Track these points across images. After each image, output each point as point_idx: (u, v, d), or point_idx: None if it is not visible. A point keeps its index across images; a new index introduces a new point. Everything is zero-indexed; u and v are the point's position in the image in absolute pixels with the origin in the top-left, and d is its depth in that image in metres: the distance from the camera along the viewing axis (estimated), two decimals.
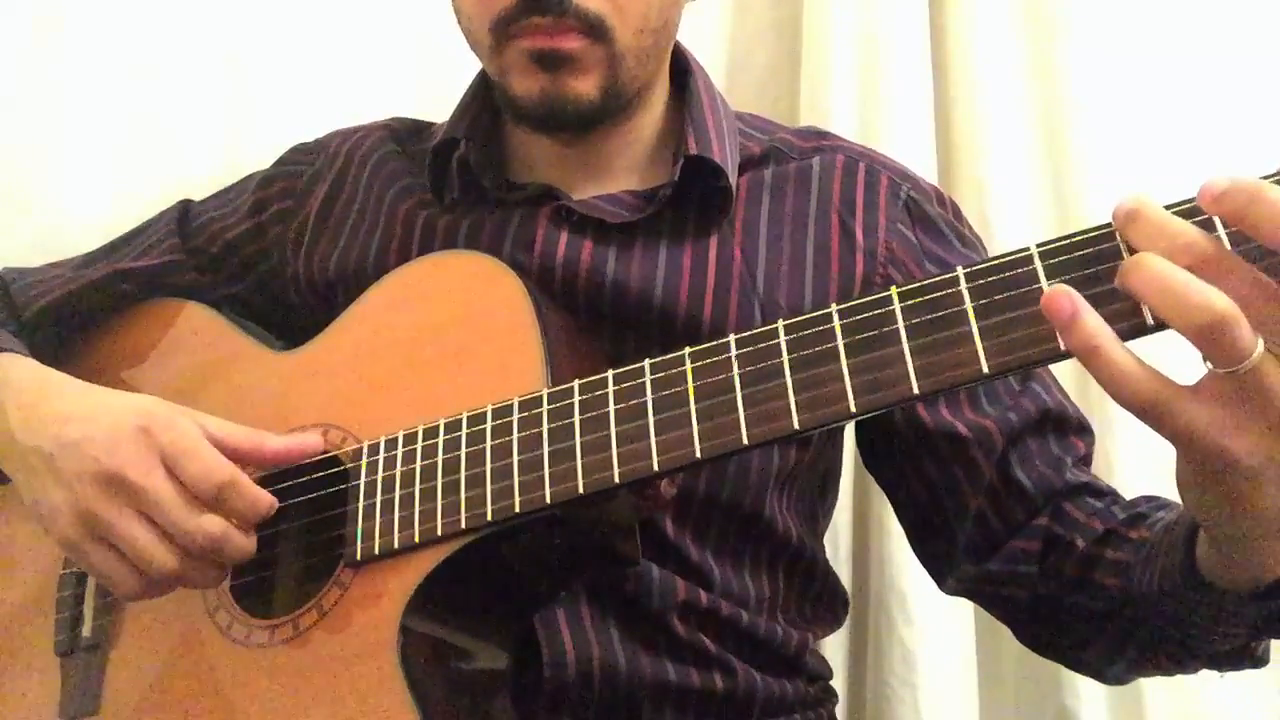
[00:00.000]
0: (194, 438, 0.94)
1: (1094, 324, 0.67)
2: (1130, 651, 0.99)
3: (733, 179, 1.09)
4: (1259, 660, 0.94)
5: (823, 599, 1.18)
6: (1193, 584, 0.85)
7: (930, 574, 1.17)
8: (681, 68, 1.17)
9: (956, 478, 1.08)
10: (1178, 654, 0.95)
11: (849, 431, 1.23)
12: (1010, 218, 1.56)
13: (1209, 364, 0.66)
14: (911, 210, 1.13)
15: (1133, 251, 0.68)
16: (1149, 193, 0.68)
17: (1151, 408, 0.67)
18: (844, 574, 1.53)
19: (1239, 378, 0.65)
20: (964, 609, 1.45)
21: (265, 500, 0.95)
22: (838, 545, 1.54)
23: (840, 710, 1.21)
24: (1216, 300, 0.64)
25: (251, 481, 0.94)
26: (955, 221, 1.16)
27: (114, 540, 0.93)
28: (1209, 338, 0.64)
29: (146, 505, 0.92)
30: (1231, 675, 1.22)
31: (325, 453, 1.00)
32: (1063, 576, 1.03)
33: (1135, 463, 1.46)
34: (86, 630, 1.07)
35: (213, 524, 0.92)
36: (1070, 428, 1.10)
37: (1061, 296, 0.67)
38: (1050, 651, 1.10)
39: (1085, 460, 1.10)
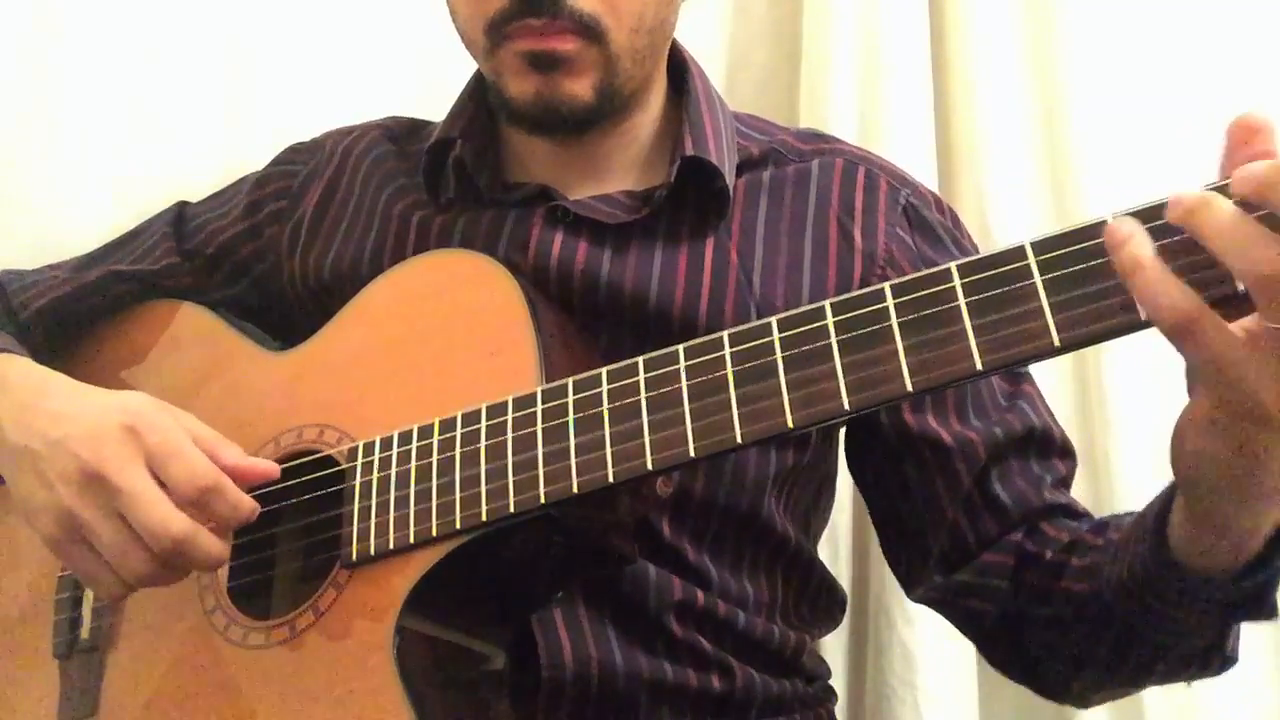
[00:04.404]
0: (179, 438, 0.93)
1: (1143, 244, 0.67)
2: (1096, 659, 0.98)
3: (730, 180, 1.09)
4: (1228, 659, 0.93)
5: (820, 600, 1.18)
6: (1163, 563, 0.85)
7: (899, 581, 1.16)
8: (679, 67, 1.17)
9: (936, 486, 1.08)
10: (1147, 658, 0.94)
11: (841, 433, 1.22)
12: (1009, 218, 1.56)
13: (1264, 319, 0.65)
14: (910, 216, 1.12)
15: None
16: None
17: (1186, 324, 0.66)
18: (844, 574, 1.53)
19: None
20: None
21: (247, 505, 0.94)
22: (838, 545, 1.54)
23: (840, 710, 1.20)
24: None
25: (235, 486, 0.94)
26: (954, 229, 1.15)
27: (90, 541, 0.92)
28: (1271, 289, 0.64)
29: (121, 504, 0.91)
30: (1230, 677, 1.21)
31: (320, 453, 1.00)
32: (1032, 589, 1.02)
33: (1136, 464, 1.46)
34: (85, 632, 1.07)
35: (179, 526, 0.90)
36: (1054, 449, 1.10)
37: (1125, 222, 0.68)
38: (1014, 669, 1.09)
39: (1064, 482, 1.10)
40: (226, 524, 0.94)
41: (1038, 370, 1.13)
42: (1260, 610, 0.85)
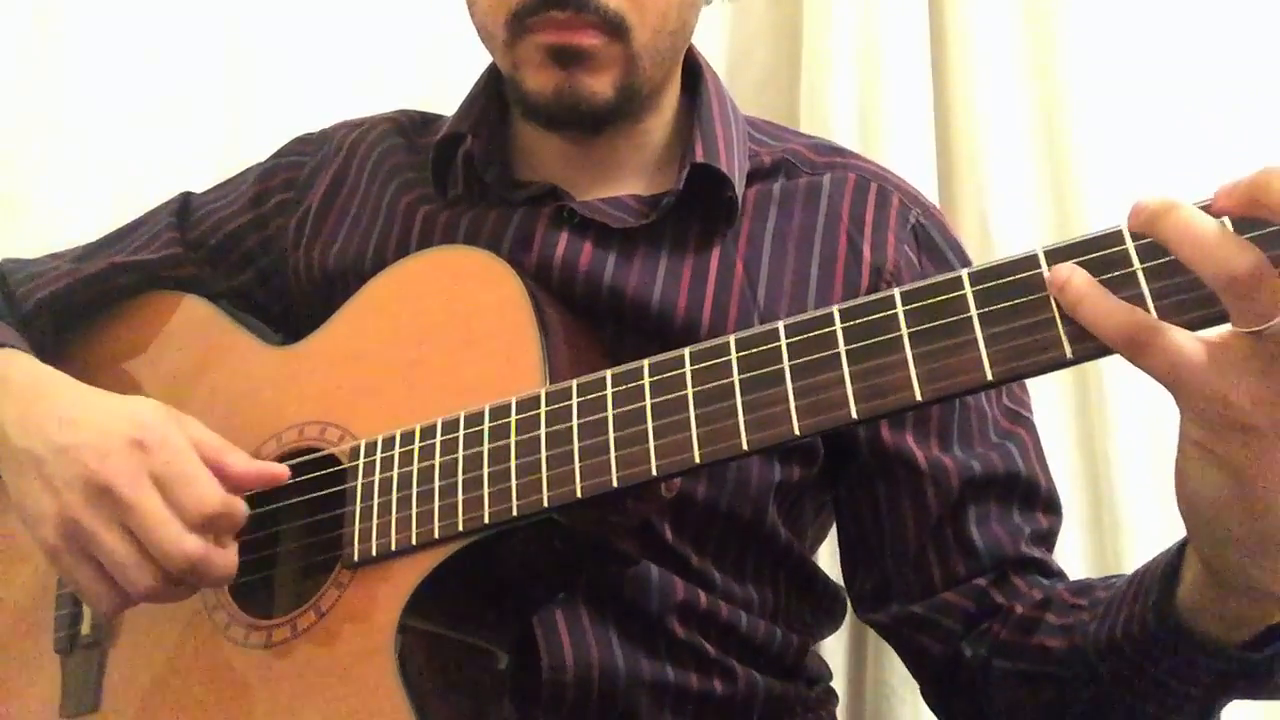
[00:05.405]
0: (187, 460, 0.92)
1: (1082, 277, 0.69)
2: None
3: (739, 189, 1.08)
4: None
5: (822, 604, 1.17)
6: (1165, 622, 0.82)
7: (852, 601, 1.15)
8: (693, 71, 1.16)
9: (902, 508, 1.06)
10: None
11: None
12: (1009, 218, 1.56)
13: (1236, 324, 0.65)
14: (919, 235, 1.11)
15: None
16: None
17: (1134, 336, 0.67)
18: None
19: (1262, 338, 0.64)
20: None
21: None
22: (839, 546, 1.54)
23: (840, 710, 1.20)
24: (1251, 253, 0.63)
25: (242, 512, 0.93)
26: (961, 253, 1.14)
27: (94, 553, 0.91)
28: (1238, 291, 0.64)
29: (130, 520, 0.90)
30: None
31: (322, 451, 1.00)
32: (996, 641, 1.01)
33: (1136, 464, 1.46)
34: (86, 628, 1.06)
35: (194, 547, 0.90)
36: (1038, 501, 1.08)
37: (1062, 268, 0.70)
38: (953, 714, 1.08)
39: (1045, 538, 1.08)
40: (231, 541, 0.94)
41: None
42: (1263, 686, 0.81)
